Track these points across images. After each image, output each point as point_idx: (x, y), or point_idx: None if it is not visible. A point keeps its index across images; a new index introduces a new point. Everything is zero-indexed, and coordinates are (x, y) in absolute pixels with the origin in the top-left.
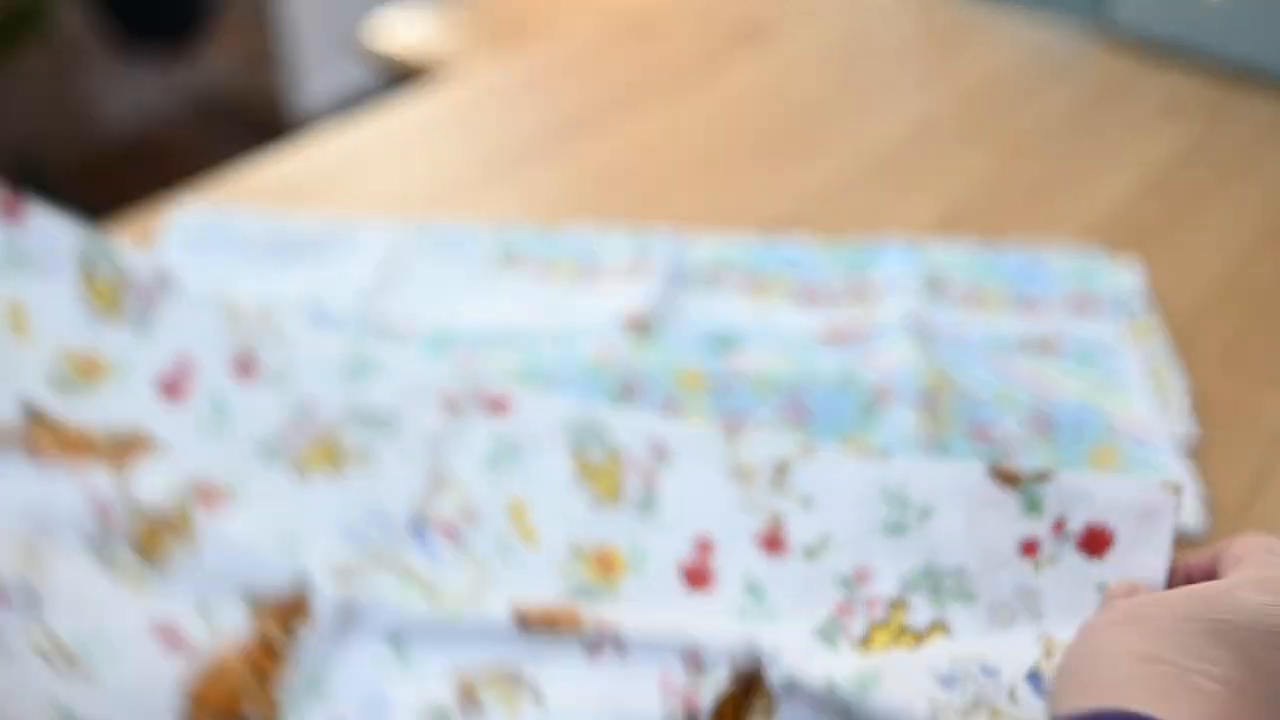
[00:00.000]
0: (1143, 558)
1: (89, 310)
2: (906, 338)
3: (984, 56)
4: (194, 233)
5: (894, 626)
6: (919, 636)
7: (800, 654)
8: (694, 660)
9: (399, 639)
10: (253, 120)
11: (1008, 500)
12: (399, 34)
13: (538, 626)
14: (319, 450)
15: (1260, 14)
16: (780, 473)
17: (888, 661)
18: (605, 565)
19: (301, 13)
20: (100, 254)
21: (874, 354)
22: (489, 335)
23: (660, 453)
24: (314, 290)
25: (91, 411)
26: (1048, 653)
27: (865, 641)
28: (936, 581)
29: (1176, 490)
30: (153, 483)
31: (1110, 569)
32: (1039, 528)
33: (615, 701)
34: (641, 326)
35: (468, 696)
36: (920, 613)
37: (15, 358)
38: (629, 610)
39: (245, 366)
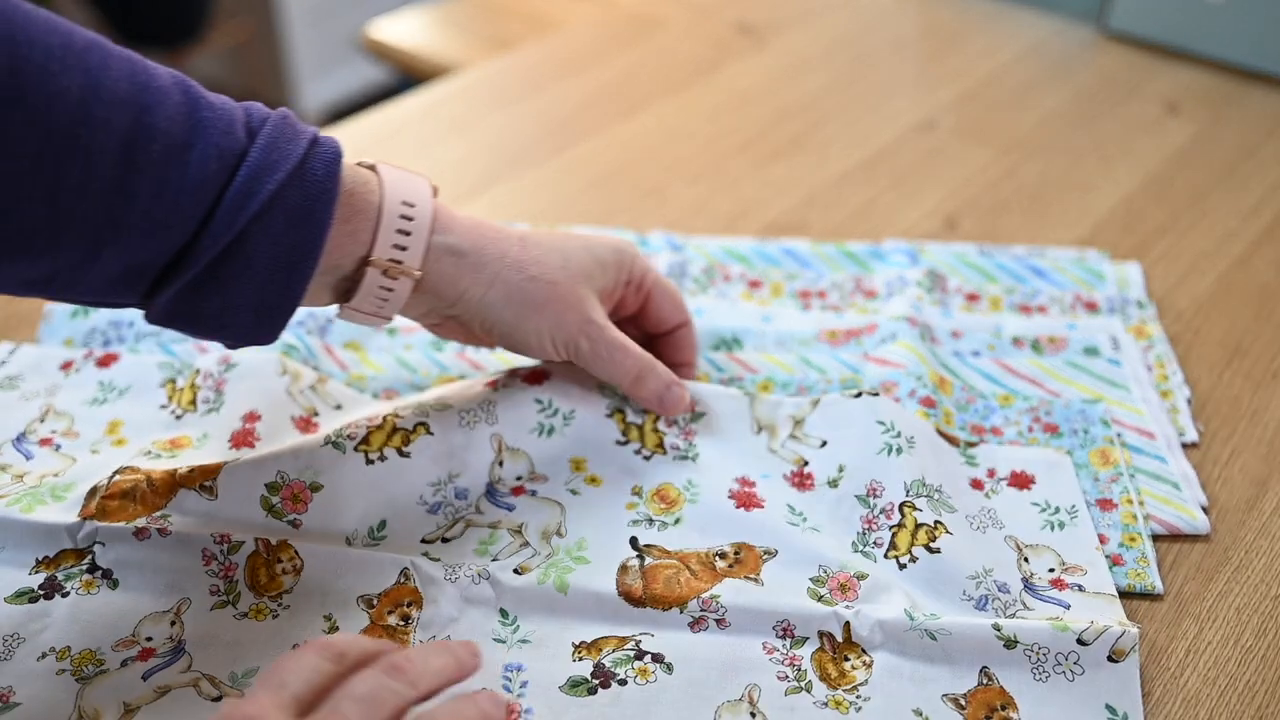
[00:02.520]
0: (1059, 490)
1: (172, 414)
2: (908, 337)
3: (984, 56)
4: None
5: (909, 525)
6: (930, 531)
7: (875, 603)
8: (787, 631)
9: (509, 612)
10: None
11: (953, 451)
12: (398, 35)
13: (644, 604)
14: (381, 433)
15: (1260, 13)
16: (797, 425)
17: (934, 592)
18: (665, 501)
19: (301, 14)
20: (179, 368)
21: (875, 353)
22: None
23: (691, 410)
24: None
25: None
26: (1019, 550)
27: (891, 546)
28: (930, 491)
29: (1069, 452)
30: (241, 489)
31: (1038, 495)
32: (978, 473)
33: (731, 666)
34: None
35: (598, 666)
36: (925, 513)
37: (115, 458)
38: (725, 587)
39: (306, 424)
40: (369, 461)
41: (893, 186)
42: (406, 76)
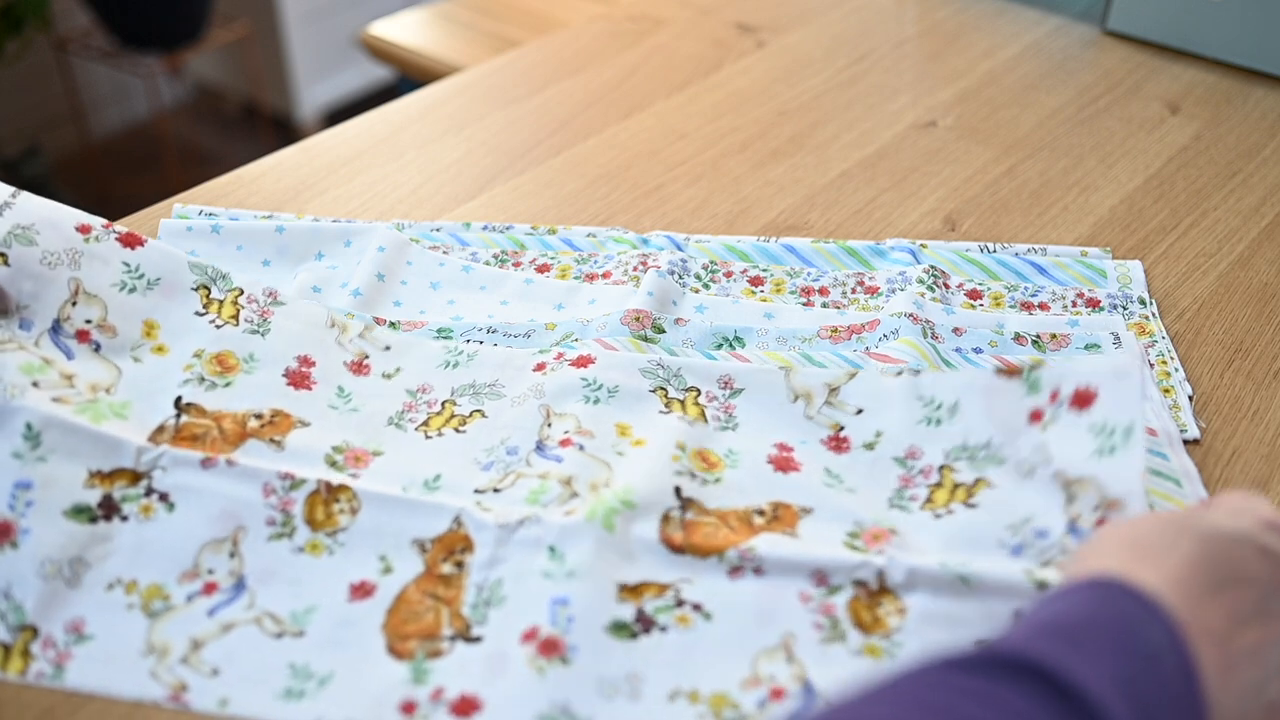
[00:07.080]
0: (1121, 403)
1: (211, 323)
2: (910, 334)
3: (984, 55)
4: (193, 231)
5: (947, 484)
6: (969, 489)
7: (911, 552)
8: (822, 580)
9: (557, 549)
10: (253, 120)
11: (1015, 386)
12: (398, 35)
13: (683, 552)
14: (440, 418)
15: (1260, 13)
16: (833, 392)
17: (969, 542)
18: (707, 462)
19: (301, 14)
20: (213, 275)
21: (877, 350)
22: (491, 334)
23: (730, 387)
24: (313, 290)
25: (234, 401)
26: (1066, 488)
27: (929, 501)
28: (972, 453)
29: (1142, 356)
30: (306, 446)
31: (1097, 415)
32: (1040, 400)
33: (768, 614)
34: (645, 325)
35: (639, 612)
36: (964, 474)
37: (162, 370)
38: (761, 540)
39: (358, 366)
40: (428, 438)
41: (893, 186)
42: (406, 76)
